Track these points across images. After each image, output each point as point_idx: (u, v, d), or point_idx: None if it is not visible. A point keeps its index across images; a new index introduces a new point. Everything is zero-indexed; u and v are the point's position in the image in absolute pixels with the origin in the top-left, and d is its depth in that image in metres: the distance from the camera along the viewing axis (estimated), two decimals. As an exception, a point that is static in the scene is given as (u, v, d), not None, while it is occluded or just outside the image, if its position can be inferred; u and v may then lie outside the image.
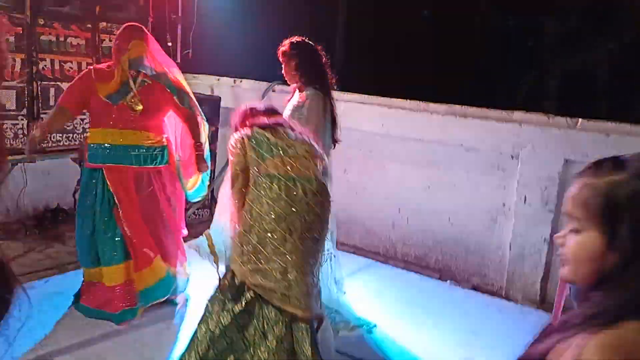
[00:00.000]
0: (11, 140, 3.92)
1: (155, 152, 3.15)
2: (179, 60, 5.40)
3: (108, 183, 3.05)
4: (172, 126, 3.32)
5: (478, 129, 4.31)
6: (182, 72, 5.47)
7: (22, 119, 3.94)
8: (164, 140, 3.22)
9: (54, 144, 4.12)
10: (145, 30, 3.10)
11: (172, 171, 3.28)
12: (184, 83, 3.23)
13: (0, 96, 3.26)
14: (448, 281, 4.37)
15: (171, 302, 3.41)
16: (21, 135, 3.95)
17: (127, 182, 3.09)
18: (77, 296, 3.28)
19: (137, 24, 3.12)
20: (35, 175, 4.66)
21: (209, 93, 5.60)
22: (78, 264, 4.04)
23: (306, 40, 3.28)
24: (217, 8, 5.58)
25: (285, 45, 3.22)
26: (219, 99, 5.36)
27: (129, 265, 3.16)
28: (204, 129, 3.35)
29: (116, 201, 3.05)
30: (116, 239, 3.10)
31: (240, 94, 5.60)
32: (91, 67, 3.16)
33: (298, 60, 3.16)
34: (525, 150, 4.12)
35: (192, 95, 3.27)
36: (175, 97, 3.13)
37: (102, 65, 3.14)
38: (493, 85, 4.63)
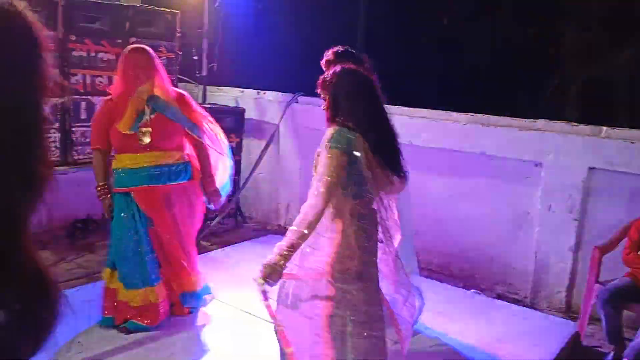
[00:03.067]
0: (45, 153, 4.05)
1: (178, 169, 3.23)
2: (204, 74, 5.53)
3: (138, 204, 3.13)
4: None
5: (501, 137, 4.32)
6: (208, 85, 5.65)
7: (54, 132, 4.08)
8: (186, 157, 3.28)
9: (84, 156, 4.24)
10: (155, 58, 3.13)
11: (196, 186, 3.36)
12: (194, 107, 3.28)
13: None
14: (472, 290, 4.36)
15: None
16: (54, 148, 4.08)
17: (157, 201, 3.16)
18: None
19: (146, 48, 3.12)
20: (65, 186, 4.79)
21: (234, 105, 5.72)
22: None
23: (350, 49, 3.25)
24: (241, 22, 5.70)
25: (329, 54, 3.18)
26: (243, 110, 5.46)
27: (166, 280, 3.30)
28: (226, 161, 3.41)
29: (151, 220, 3.15)
30: (155, 258, 3.22)
31: (263, 105, 5.71)
32: (104, 99, 3.21)
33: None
34: (549, 159, 4.12)
35: (205, 126, 3.29)
36: (183, 126, 3.20)
37: (113, 96, 3.15)
38: (515, 93, 4.64)
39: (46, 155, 0.56)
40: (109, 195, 3.13)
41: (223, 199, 3.46)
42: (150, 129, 3.08)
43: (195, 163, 3.32)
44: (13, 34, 0.57)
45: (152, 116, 3.09)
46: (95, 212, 5.38)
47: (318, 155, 2.27)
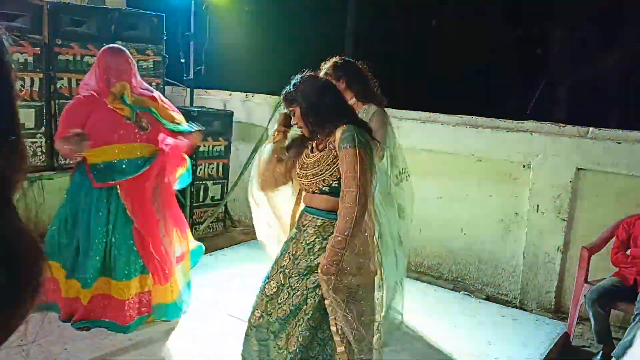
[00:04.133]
0: (30, 158, 4.00)
1: (152, 158, 3.21)
2: (191, 77, 5.50)
3: (123, 199, 3.10)
4: None
5: (489, 139, 4.34)
6: (195, 88, 5.62)
7: (40, 137, 4.03)
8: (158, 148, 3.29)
9: (71, 161, 4.19)
10: (129, 61, 3.13)
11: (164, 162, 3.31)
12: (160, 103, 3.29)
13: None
14: (462, 291, 4.37)
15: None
16: (40, 153, 4.03)
17: (143, 193, 3.14)
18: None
19: (117, 51, 3.12)
20: (51, 192, 4.74)
21: (221, 108, 5.69)
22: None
23: (347, 59, 3.27)
24: (228, 25, 5.67)
25: (328, 68, 3.18)
26: (231, 113, 5.44)
27: (144, 277, 3.22)
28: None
29: (131, 216, 3.12)
30: (132, 254, 3.16)
31: (251, 108, 5.68)
32: (82, 96, 3.14)
33: (347, 80, 3.15)
34: (537, 160, 4.14)
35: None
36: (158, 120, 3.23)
37: (87, 94, 3.11)
38: (503, 95, 4.66)
39: (20, 160, 0.53)
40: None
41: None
42: (145, 118, 3.14)
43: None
44: None
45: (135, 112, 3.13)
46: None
47: (319, 154, 2.31)
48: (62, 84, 4.09)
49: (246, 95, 5.72)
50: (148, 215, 3.17)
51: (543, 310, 4.17)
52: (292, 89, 2.32)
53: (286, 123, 2.44)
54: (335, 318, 2.24)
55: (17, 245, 0.52)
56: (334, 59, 3.20)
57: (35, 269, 0.54)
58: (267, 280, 2.45)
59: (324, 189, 2.30)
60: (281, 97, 2.38)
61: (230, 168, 5.48)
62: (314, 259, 2.31)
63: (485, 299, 4.31)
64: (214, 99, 5.84)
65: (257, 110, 5.63)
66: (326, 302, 2.24)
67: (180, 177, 3.45)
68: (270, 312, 2.38)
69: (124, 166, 3.11)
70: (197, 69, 5.56)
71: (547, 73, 4.53)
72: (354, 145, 2.18)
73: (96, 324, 3.21)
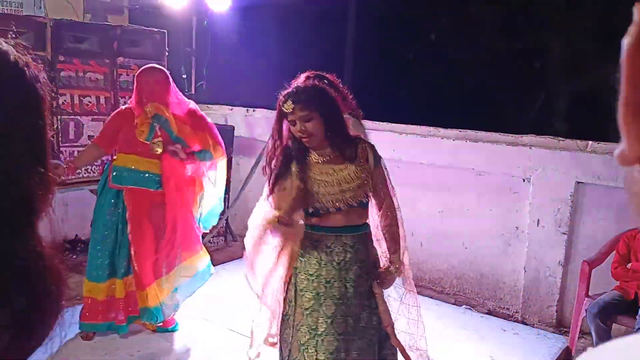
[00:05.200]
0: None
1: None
2: (193, 92, 5.54)
3: (126, 204, 3.25)
4: None
5: (489, 153, 4.36)
6: (197, 103, 5.64)
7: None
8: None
9: (73, 176, 4.22)
10: (164, 80, 3.26)
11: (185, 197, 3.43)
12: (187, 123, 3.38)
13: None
14: (463, 306, 4.36)
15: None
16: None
17: (143, 204, 3.28)
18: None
19: (155, 70, 3.26)
20: (53, 207, 4.77)
21: (223, 122, 5.72)
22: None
23: (320, 73, 3.27)
24: (229, 40, 5.72)
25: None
26: (233, 128, 5.47)
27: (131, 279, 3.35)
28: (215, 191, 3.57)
29: (127, 219, 3.21)
30: (130, 253, 3.29)
31: (252, 122, 5.72)
32: (123, 107, 3.39)
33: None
34: (537, 174, 4.15)
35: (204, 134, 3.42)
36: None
37: (128, 107, 3.34)
38: (502, 109, 4.69)
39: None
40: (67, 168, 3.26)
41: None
42: (161, 139, 3.26)
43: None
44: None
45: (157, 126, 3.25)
46: (83, 233, 5.34)
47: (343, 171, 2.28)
48: (65, 100, 4.12)
49: (247, 110, 5.76)
50: (143, 226, 3.26)
51: (544, 324, 4.16)
52: (309, 92, 2.20)
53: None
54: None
55: (38, 268, 0.53)
56: (305, 74, 3.19)
57: (56, 291, 0.55)
58: (322, 323, 2.24)
59: (354, 204, 2.26)
60: (289, 97, 2.22)
61: (231, 183, 5.50)
62: (360, 278, 2.30)
63: (487, 313, 4.30)
64: (215, 114, 5.87)
65: (257, 125, 5.66)
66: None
67: (206, 216, 3.55)
68: (347, 349, 2.25)
69: (142, 175, 3.26)
70: (198, 84, 5.60)
71: (545, 86, 4.55)
72: (382, 162, 2.32)
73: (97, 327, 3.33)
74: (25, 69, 0.53)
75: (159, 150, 3.24)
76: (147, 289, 3.30)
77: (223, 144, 3.50)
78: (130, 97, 4.45)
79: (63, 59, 4.06)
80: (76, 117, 4.18)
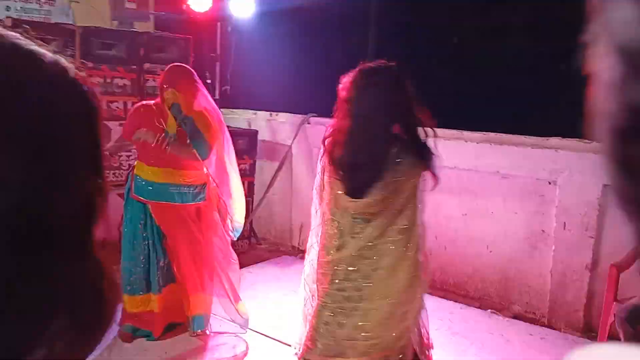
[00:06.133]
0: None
1: (195, 191, 3.29)
2: (217, 97, 5.61)
3: (154, 217, 3.22)
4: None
5: (514, 155, 4.32)
6: (221, 108, 5.71)
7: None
8: (204, 177, 3.33)
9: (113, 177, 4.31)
10: (181, 71, 3.23)
11: (212, 207, 3.39)
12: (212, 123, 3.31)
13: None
14: (489, 310, 4.33)
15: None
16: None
17: (171, 218, 3.23)
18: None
19: (180, 65, 3.27)
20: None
21: (247, 126, 5.78)
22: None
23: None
24: (253, 45, 5.78)
25: None
26: (256, 132, 5.51)
27: (174, 288, 3.31)
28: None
29: (164, 233, 3.20)
30: (165, 267, 3.27)
31: (276, 126, 5.76)
32: (141, 103, 3.35)
33: None
34: (563, 176, 4.11)
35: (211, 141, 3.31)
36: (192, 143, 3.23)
37: (149, 103, 3.30)
38: (527, 111, 4.64)
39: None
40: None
41: (238, 228, 3.49)
42: (173, 136, 3.15)
43: (213, 184, 3.37)
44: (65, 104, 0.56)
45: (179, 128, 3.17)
46: (110, 236, 5.43)
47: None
48: (93, 106, 4.21)
49: (270, 114, 5.80)
50: (177, 238, 3.25)
51: (572, 328, 4.10)
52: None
53: None
54: None
55: (97, 274, 0.56)
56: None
57: (112, 295, 0.58)
58: None
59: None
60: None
61: (255, 186, 5.55)
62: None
63: (513, 318, 4.26)
64: (239, 118, 5.93)
65: (281, 128, 5.70)
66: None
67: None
68: None
69: (164, 189, 3.20)
70: (223, 89, 5.67)
71: (571, 88, 4.49)
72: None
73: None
74: (84, 84, 0.57)
75: (168, 149, 3.15)
76: (191, 297, 3.30)
77: (220, 129, 3.38)
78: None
79: (91, 65, 4.15)
80: (104, 122, 4.24)
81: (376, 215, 2.28)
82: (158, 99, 3.26)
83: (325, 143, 2.35)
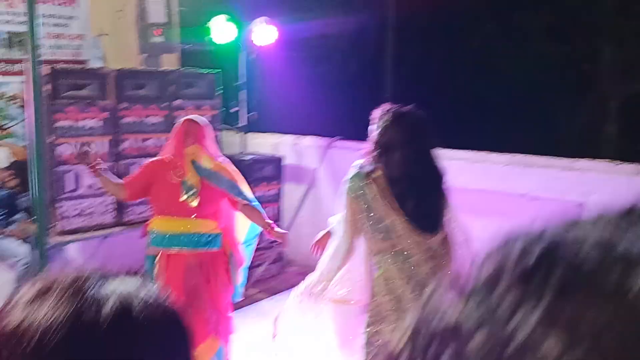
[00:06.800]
0: (101, 216, 4.25)
1: (209, 239, 3.23)
2: (245, 123, 5.73)
3: (159, 265, 3.17)
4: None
5: (541, 177, 4.34)
6: (247, 132, 5.84)
7: (110, 196, 4.27)
8: (220, 227, 3.29)
9: (136, 216, 4.44)
10: (205, 127, 3.24)
11: (223, 257, 3.34)
12: (235, 172, 3.32)
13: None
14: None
15: None
16: (111, 210, 4.28)
17: (179, 266, 3.17)
18: None
19: (197, 120, 3.25)
20: (119, 241, 5.01)
21: (271, 151, 5.88)
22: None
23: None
24: (276, 72, 5.90)
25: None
26: (280, 159, 5.60)
27: None
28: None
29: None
30: None
31: (301, 150, 5.85)
32: (150, 161, 3.31)
33: None
34: (592, 199, 4.11)
35: (245, 185, 3.35)
36: (229, 192, 3.25)
37: (161, 159, 3.26)
38: (555, 132, 4.67)
39: None
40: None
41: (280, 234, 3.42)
42: (196, 190, 3.13)
43: (228, 234, 3.35)
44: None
45: (201, 181, 3.15)
46: (143, 269, 5.58)
47: None
48: (128, 145, 4.34)
49: (296, 137, 5.90)
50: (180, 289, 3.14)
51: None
52: None
53: None
54: None
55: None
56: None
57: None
58: None
59: None
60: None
61: (282, 211, 5.64)
62: None
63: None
64: (265, 142, 6.03)
65: (306, 152, 5.79)
66: None
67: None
68: None
69: (181, 238, 3.17)
70: (250, 115, 5.78)
71: (600, 109, 4.52)
72: None
73: None
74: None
75: (195, 203, 3.13)
76: (202, 344, 3.22)
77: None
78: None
79: (125, 105, 4.28)
80: (138, 159, 4.38)
81: None
82: (169, 155, 3.24)
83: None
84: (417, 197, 2.34)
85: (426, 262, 2.35)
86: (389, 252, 2.37)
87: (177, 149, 3.18)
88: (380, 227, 2.34)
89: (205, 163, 3.19)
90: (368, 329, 2.43)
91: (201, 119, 3.31)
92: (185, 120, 3.24)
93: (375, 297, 2.42)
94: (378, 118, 2.43)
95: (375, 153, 2.39)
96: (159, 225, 3.20)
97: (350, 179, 2.41)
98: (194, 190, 3.14)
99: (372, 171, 2.37)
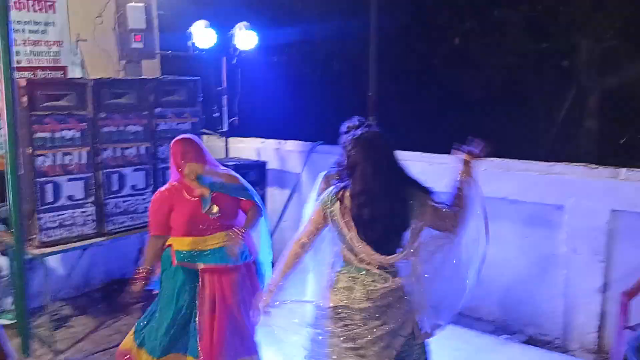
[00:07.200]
0: (81, 227, 4.22)
1: (241, 250, 3.23)
2: (226, 129, 5.71)
3: (201, 283, 3.16)
4: None
5: (521, 181, 4.38)
6: (229, 137, 5.82)
7: (90, 206, 4.25)
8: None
9: (118, 226, 4.42)
10: (200, 143, 3.26)
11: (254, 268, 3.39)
12: (238, 176, 3.37)
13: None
14: (503, 336, 4.41)
15: None
16: (90, 222, 4.25)
17: (221, 281, 3.17)
18: None
19: (183, 139, 3.26)
20: (99, 249, 4.99)
21: (254, 156, 5.87)
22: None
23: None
24: (258, 77, 5.89)
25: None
26: (265, 163, 5.59)
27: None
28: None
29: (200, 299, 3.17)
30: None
31: (284, 155, 5.85)
32: (159, 191, 3.29)
33: None
34: (570, 202, 4.17)
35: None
36: (241, 196, 3.28)
37: (168, 186, 3.26)
38: (533, 137, 4.72)
39: None
40: (144, 282, 3.21)
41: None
42: (209, 198, 3.17)
43: (249, 242, 3.35)
44: None
45: (213, 193, 3.19)
46: (129, 272, 5.55)
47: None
48: (107, 155, 4.31)
49: (279, 142, 5.89)
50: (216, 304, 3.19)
51: (585, 350, 4.18)
52: None
53: None
54: None
55: None
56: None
57: None
58: None
59: None
60: None
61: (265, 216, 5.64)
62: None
63: (527, 341, 4.34)
64: (247, 147, 6.03)
65: (289, 157, 5.79)
66: None
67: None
68: None
69: (206, 254, 3.18)
70: (231, 120, 5.77)
71: (578, 114, 4.57)
72: None
73: None
74: None
75: (216, 210, 3.15)
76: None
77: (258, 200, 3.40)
78: (167, 144, 4.64)
79: (104, 115, 4.25)
80: (118, 169, 4.36)
81: None
82: (173, 180, 3.26)
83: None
84: (373, 216, 2.44)
85: (383, 280, 2.49)
86: (353, 263, 2.52)
87: (180, 171, 3.21)
88: (345, 240, 2.49)
89: (209, 175, 3.21)
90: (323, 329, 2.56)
91: (188, 136, 3.33)
92: (175, 142, 3.26)
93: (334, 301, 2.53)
94: (342, 142, 2.56)
95: (343, 173, 2.54)
96: (189, 245, 3.18)
97: (326, 194, 2.55)
98: (208, 199, 3.17)
99: (340, 190, 2.50)
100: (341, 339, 2.48)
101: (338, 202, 2.47)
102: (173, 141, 3.27)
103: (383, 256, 2.47)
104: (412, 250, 2.52)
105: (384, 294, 2.48)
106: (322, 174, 2.93)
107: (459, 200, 2.63)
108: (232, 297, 3.20)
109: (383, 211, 2.43)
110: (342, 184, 2.52)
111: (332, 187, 2.57)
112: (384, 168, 2.47)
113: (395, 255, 2.50)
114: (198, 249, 3.17)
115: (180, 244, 3.19)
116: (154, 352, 3.19)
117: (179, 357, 3.22)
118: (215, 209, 3.17)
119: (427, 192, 2.58)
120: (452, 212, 2.60)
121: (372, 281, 2.50)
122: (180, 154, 3.19)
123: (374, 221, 2.44)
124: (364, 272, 2.50)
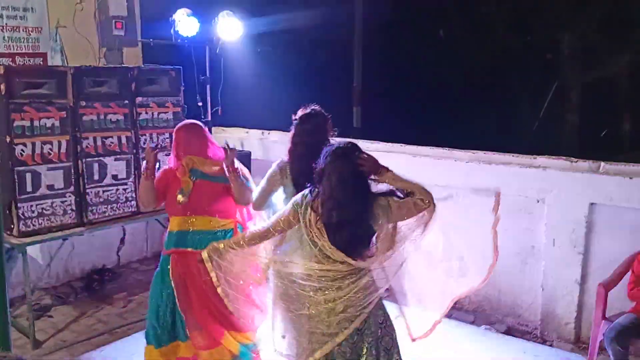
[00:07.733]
0: (62, 217, 4.17)
1: (218, 234, 3.19)
2: (209, 118, 5.66)
3: (171, 266, 3.17)
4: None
5: (502, 174, 4.43)
6: (213, 126, 5.77)
7: (70, 196, 4.20)
8: (232, 223, 3.28)
9: (99, 215, 4.37)
10: (201, 132, 3.24)
11: None
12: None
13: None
14: (483, 326, 4.47)
15: None
16: (70, 211, 4.20)
17: (190, 266, 3.13)
18: None
19: (187, 126, 3.25)
20: (80, 239, 4.94)
21: (238, 146, 5.83)
22: (128, 327, 4.29)
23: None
24: (242, 66, 5.84)
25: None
26: (250, 153, 5.57)
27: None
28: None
29: (173, 284, 3.16)
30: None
31: (268, 145, 5.82)
32: (167, 167, 3.31)
33: None
34: (551, 195, 4.22)
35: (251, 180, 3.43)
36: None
37: (170, 166, 3.29)
38: (514, 130, 4.76)
39: None
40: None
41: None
42: (187, 188, 3.16)
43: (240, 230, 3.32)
44: None
45: (195, 180, 3.18)
46: (110, 262, 5.52)
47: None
48: (88, 144, 4.26)
49: (262, 132, 5.87)
50: (189, 289, 3.18)
51: (563, 340, 4.25)
52: None
53: None
54: None
55: None
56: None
57: None
58: None
59: None
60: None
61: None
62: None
63: (506, 332, 4.40)
64: (231, 137, 5.99)
65: (273, 147, 5.77)
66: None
67: None
68: None
69: (186, 236, 3.19)
70: (213, 110, 5.72)
71: (559, 108, 4.62)
72: None
73: None
74: None
75: (181, 199, 3.14)
76: (222, 341, 3.18)
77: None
78: (150, 135, 4.61)
79: (84, 104, 4.19)
80: (100, 158, 4.31)
81: None
82: (174, 165, 3.25)
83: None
84: (339, 223, 2.52)
85: (353, 283, 2.60)
86: (324, 267, 2.59)
87: (177, 158, 3.21)
88: (317, 246, 2.56)
89: (204, 168, 3.19)
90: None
91: (192, 123, 3.31)
92: (179, 128, 3.24)
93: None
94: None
95: (316, 179, 2.60)
96: (174, 226, 3.24)
97: (300, 198, 2.62)
98: (183, 190, 3.17)
99: (313, 198, 2.57)
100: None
101: (313, 212, 2.54)
102: (177, 127, 3.25)
103: (355, 260, 2.57)
104: (386, 257, 2.66)
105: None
106: (276, 162, 3.13)
107: (404, 186, 2.68)
108: (201, 277, 3.07)
109: (347, 216, 2.52)
110: (315, 192, 2.58)
111: (306, 192, 2.61)
112: (350, 178, 2.54)
113: (369, 260, 2.62)
114: (177, 229, 3.20)
115: (170, 224, 3.26)
116: (154, 343, 3.22)
117: (176, 345, 3.23)
118: (181, 198, 3.15)
119: (386, 194, 2.65)
120: (412, 191, 2.67)
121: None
122: (183, 145, 3.17)
123: (341, 226, 2.52)
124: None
